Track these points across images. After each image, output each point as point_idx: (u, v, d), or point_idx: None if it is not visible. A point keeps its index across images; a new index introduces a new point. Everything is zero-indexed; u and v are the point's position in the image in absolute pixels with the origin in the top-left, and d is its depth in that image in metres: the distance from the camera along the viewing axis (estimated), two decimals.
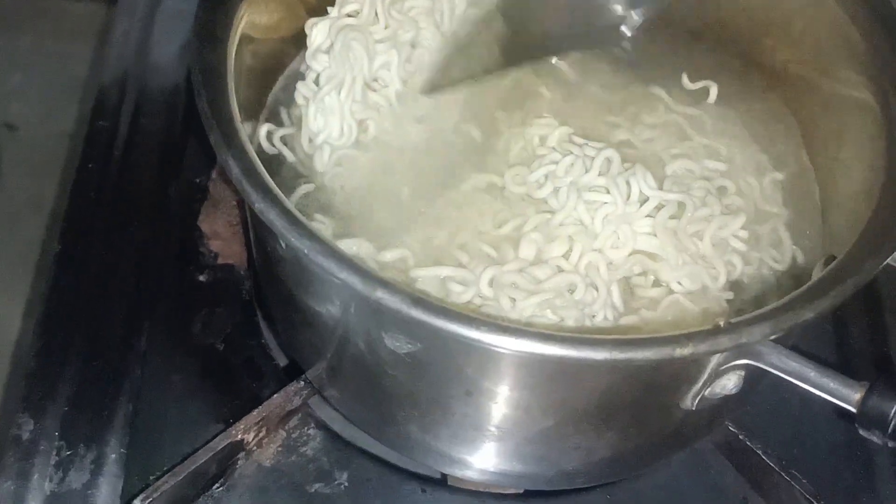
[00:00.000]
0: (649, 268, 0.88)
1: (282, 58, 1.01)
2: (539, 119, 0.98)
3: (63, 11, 1.63)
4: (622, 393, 0.77)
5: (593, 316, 0.84)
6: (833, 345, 1.07)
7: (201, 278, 1.06)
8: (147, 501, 0.89)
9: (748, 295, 0.89)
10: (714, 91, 1.03)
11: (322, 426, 0.98)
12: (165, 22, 1.27)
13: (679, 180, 0.93)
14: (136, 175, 1.13)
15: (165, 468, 0.92)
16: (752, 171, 0.97)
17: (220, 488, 0.93)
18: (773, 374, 0.71)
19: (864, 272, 0.73)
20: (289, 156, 0.94)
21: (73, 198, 1.10)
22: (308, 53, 0.98)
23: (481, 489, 0.96)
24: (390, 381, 0.81)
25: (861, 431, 0.70)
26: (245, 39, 0.88)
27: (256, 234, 0.93)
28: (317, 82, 0.96)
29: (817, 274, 0.76)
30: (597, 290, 0.85)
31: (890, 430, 0.68)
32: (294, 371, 0.99)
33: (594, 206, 0.89)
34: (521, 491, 0.96)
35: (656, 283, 0.88)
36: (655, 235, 0.89)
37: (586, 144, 0.95)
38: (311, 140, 0.95)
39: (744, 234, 0.91)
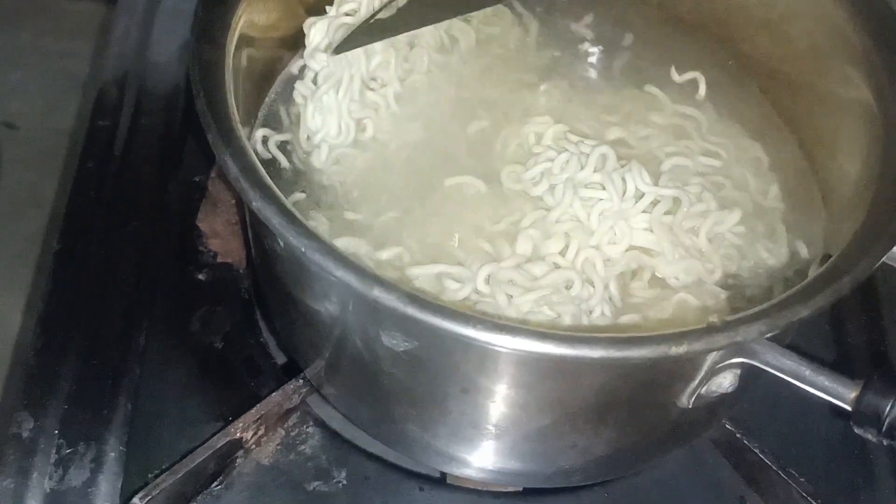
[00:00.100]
0: (646, 263, 0.88)
1: (280, 57, 1.01)
2: (535, 118, 0.98)
3: (63, 10, 1.62)
4: (618, 391, 0.77)
5: (590, 312, 0.84)
6: (831, 343, 1.07)
7: (200, 277, 1.07)
8: (146, 499, 0.89)
9: (746, 290, 0.89)
10: (702, 84, 1.04)
11: (321, 424, 0.98)
12: (165, 21, 1.28)
13: (675, 177, 0.93)
14: (136, 174, 1.13)
15: (164, 466, 0.92)
16: (748, 168, 0.98)
17: (219, 486, 0.94)
18: (768, 372, 0.71)
19: (860, 271, 0.73)
20: (283, 161, 0.94)
21: (73, 197, 1.11)
22: (306, 52, 0.98)
23: (480, 487, 0.96)
24: (388, 379, 0.82)
25: (856, 429, 0.71)
26: (244, 39, 0.88)
27: (254, 233, 0.93)
28: (315, 81, 0.96)
29: (813, 273, 0.76)
30: (593, 286, 0.86)
31: (884, 428, 0.68)
32: (293, 369, 0.99)
33: (590, 202, 0.90)
34: (520, 489, 0.96)
35: (653, 280, 0.88)
36: (651, 231, 0.89)
37: (581, 142, 0.95)
38: (308, 138, 0.95)
39: (740, 229, 0.91)
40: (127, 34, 1.26)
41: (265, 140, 0.94)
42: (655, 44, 1.07)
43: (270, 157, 0.94)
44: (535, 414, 0.80)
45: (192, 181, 1.14)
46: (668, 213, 0.90)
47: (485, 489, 0.96)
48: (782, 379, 0.71)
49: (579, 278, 0.85)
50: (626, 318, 0.85)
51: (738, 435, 0.96)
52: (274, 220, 0.71)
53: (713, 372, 0.74)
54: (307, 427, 0.98)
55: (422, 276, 0.85)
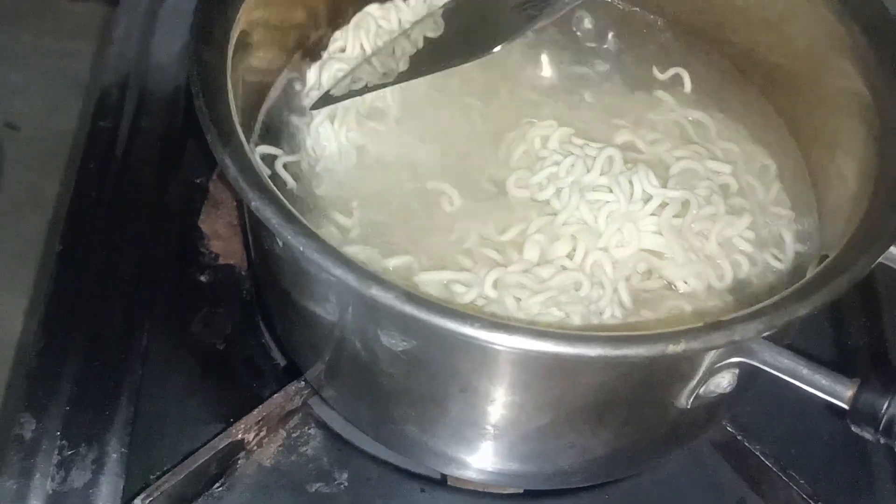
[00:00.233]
0: (655, 266, 0.88)
1: (282, 57, 1.01)
2: (541, 122, 0.98)
3: (64, 10, 1.63)
4: (616, 391, 0.77)
5: (601, 314, 0.85)
6: (830, 342, 1.07)
7: (202, 278, 1.07)
8: (148, 500, 0.89)
9: (756, 296, 0.89)
10: (687, 80, 1.05)
11: (322, 426, 0.98)
12: (167, 22, 1.28)
13: (683, 180, 0.94)
14: (137, 175, 1.13)
15: (166, 467, 0.92)
16: (755, 174, 0.98)
17: (221, 488, 0.94)
18: (765, 371, 0.71)
19: (857, 270, 0.73)
20: (290, 182, 0.94)
21: (75, 198, 1.11)
22: (303, 92, 0.99)
23: (480, 489, 0.96)
24: (387, 380, 0.82)
25: (853, 428, 0.71)
26: (244, 39, 0.89)
27: (254, 234, 0.93)
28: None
29: (811, 272, 0.76)
30: (603, 287, 0.86)
31: (881, 427, 0.69)
32: (294, 371, 0.99)
33: (597, 205, 0.90)
34: (521, 490, 0.96)
35: (662, 283, 0.88)
36: (661, 234, 0.89)
37: (587, 145, 0.95)
38: (310, 165, 0.95)
39: (750, 234, 0.91)
40: (128, 35, 1.27)
41: (272, 161, 0.94)
42: (654, 48, 1.08)
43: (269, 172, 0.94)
44: (533, 414, 0.80)
45: (193, 182, 1.14)
46: (676, 216, 0.90)
47: (485, 491, 0.96)
48: (780, 378, 0.71)
49: (588, 280, 0.85)
50: (636, 321, 0.85)
51: (738, 437, 0.96)
52: (273, 219, 0.71)
53: (711, 371, 0.74)
54: (309, 428, 0.98)
55: (429, 281, 0.86)
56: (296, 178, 0.94)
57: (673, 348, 0.67)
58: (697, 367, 0.74)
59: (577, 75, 1.06)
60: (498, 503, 0.96)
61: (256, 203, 0.72)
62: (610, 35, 1.10)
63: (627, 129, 0.99)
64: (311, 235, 0.71)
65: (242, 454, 0.95)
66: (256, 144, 0.95)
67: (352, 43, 1.02)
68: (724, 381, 0.75)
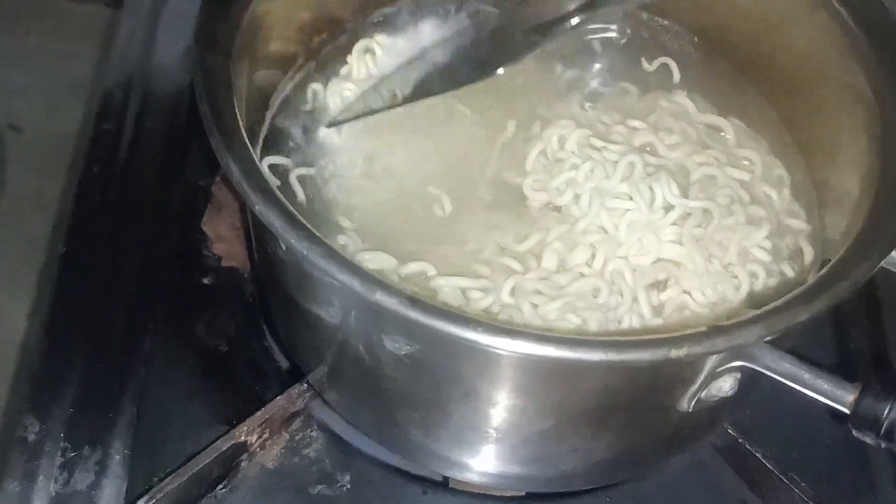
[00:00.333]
0: (673, 275, 0.88)
1: (286, 61, 1.01)
2: (558, 121, 0.98)
3: (68, 12, 1.62)
4: (618, 395, 0.78)
5: (619, 322, 0.85)
6: (832, 347, 1.07)
7: (205, 281, 1.07)
8: (151, 503, 0.89)
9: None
10: (676, 72, 1.05)
11: (325, 428, 0.98)
12: (170, 24, 1.27)
13: (704, 188, 0.94)
14: (141, 178, 1.13)
15: (169, 469, 0.92)
16: (772, 183, 0.97)
17: (224, 490, 0.94)
18: (767, 375, 0.72)
19: (858, 275, 0.74)
20: (300, 194, 0.94)
21: (78, 200, 1.11)
22: (309, 102, 1.00)
23: (482, 491, 0.96)
24: (390, 384, 0.82)
25: (854, 432, 0.71)
26: (248, 44, 0.89)
27: (257, 237, 0.94)
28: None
29: (812, 277, 0.76)
30: (622, 295, 0.86)
31: (883, 432, 0.69)
32: (297, 373, 0.99)
33: (617, 213, 0.90)
34: (523, 493, 0.97)
35: (681, 292, 0.88)
36: (681, 244, 0.89)
37: (605, 148, 0.95)
38: (319, 173, 0.96)
39: (767, 243, 0.91)
40: (131, 37, 1.26)
41: (285, 172, 0.94)
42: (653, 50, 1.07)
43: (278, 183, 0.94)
44: (536, 417, 0.80)
45: (196, 185, 1.14)
46: (697, 226, 0.90)
47: (487, 493, 0.96)
48: (781, 382, 0.71)
49: (607, 286, 0.86)
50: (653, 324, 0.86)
51: (740, 440, 0.96)
52: (276, 223, 0.72)
53: (713, 376, 0.74)
54: (311, 431, 0.98)
55: (446, 287, 0.86)
56: (303, 185, 0.94)
57: (675, 353, 0.68)
58: (699, 372, 0.74)
59: (590, 75, 1.06)
60: None
61: (260, 207, 0.72)
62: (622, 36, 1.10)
63: (647, 130, 0.98)
64: (315, 240, 0.71)
65: (245, 456, 0.95)
66: (263, 154, 0.95)
67: (357, 67, 1.02)
68: (725, 386, 0.75)
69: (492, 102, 1.01)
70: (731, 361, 0.73)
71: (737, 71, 1.06)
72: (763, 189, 0.96)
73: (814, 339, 1.06)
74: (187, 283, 1.07)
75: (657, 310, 0.87)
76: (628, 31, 1.08)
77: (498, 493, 0.96)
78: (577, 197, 0.92)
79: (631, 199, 0.91)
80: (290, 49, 1.01)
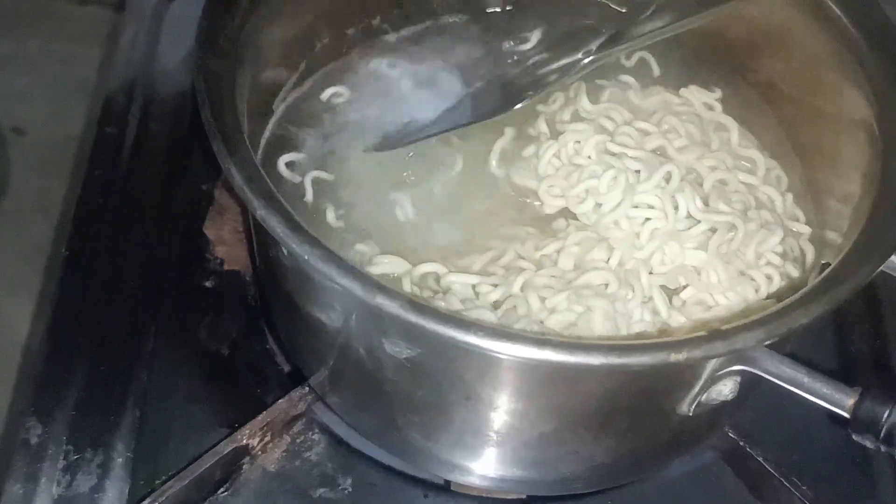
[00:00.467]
0: (693, 279, 0.89)
1: (288, 66, 1.01)
2: (573, 124, 0.98)
3: (70, 15, 1.63)
4: (619, 398, 0.78)
5: (630, 316, 0.85)
6: (832, 350, 1.07)
7: (207, 284, 1.07)
8: None
9: None
10: (655, 65, 1.06)
11: (326, 431, 0.98)
12: (173, 28, 1.28)
13: (721, 195, 0.94)
14: (143, 181, 1.13)
15: (171, 472, 0.93)
16: (773, 185, 0.98)
17: (226, 493, 0.94)
18: (767, 379, 0.72)
19: (857, 279, 0.74)
20: (308, 193, 0.95)
21: (81, 204, 1.11)
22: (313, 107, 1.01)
23: (484, 495, 0.96)
24: (391, 387, 0.82)
25: (854, 436, 0.71)
26: (250, 48, 0.89)
27: (259, 241, 0.94)
28: None
29: (812, 281, 0.76)
30: (633, 290, 0.86)
31: (882, 436, 0.69)
32: (298, 376, 0.99)
33: (637, 221, 0.91)
34: (524, 496, 0.97)
35: (699, 294, 0.89)
36: (703, 250, 0.90)
37: (624, 155, 0.95)
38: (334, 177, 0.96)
39: (779, 248, 0.92)
40: (134, 40, 1.26)
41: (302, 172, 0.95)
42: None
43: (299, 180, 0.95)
44: (536, 420, 0.81)
45: (199, 188, 1.14)
46: (725, 239, 0.91)
47: (489, 496, 0.96)
48: (781, 386, 0.72)
49: (616, 279, 0.86)
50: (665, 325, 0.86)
51: (741, 443, 0.97)
52: (278, 228, 0.72)
53: (713, 379, 0.74)
54: (313, 434, 0.98)
55: (457, 283, 0.86)
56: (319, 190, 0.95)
57: (675, 357, 0.68)
58: (699, 375, 0.74)
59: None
60: None
61: (262, 212, 0.72)
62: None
63: (658, 133, 0.98)
64: (316, 244, 0.71)
65: (247, 459, 0.95)
66: (268, 157, 0.96)
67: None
68: (725, 389, 0.75)
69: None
70: (731, 365, 0.73)
71: (737, 74, 1.06)
72: (766, 191, 0.97)
73: (814, 341, 1.06)
74: (189, 286, 1.07)
75: (678, 308, 0.87)
76: None
77: (499, 497, 0.96)
78: (598, 206, 0.92)
79: (652, 208, 0.91)
80: (292, 54, 1.01)
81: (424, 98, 1.02)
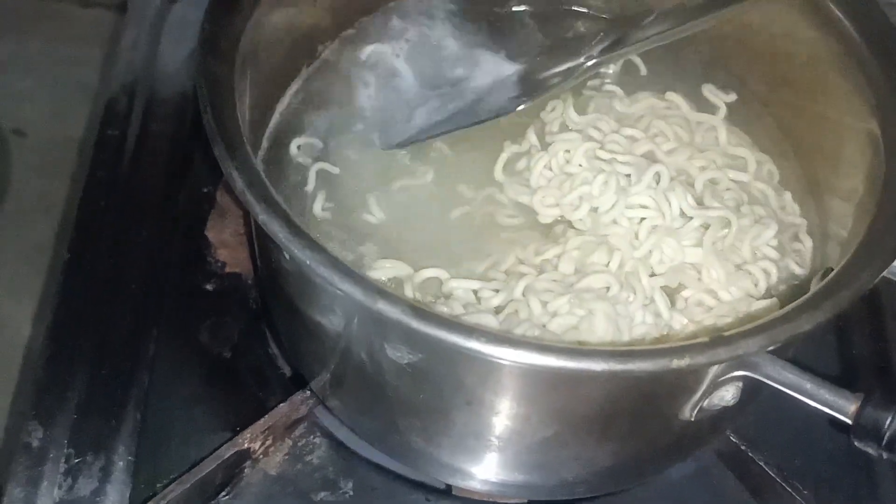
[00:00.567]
0: (693, 277, 0.89)
1: (290, 69, 1.02)
2: (562, 134, 0.98)
3: (72, 17, 1.63)
4: (620, 403, 0.78)
5: (632, 318, 0.85)
6: (835, 355, 1.07)
7: (208, 287, 1.07)
8: None
9: (784, 301, 0.89)
10: (642, 67, 1.06)
11: (328, 435, 0.98)
12: (175, 30, 1.28)
13: (714, 193, 0.94)
14: (145, 183, 1.13)
15: (173, 476, 0.93)
16: (765, 180, 0.98)
17: (227, 496, 0.94)
18: (769, 385, 0.72)
19: (860, 285, 0.74)
20: (310, 182, 0.95)
21: (83, 205, 1.11)
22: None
23: (485, 499, 0.96)
24: (392, 391, 0.82)
25: (856, 443, 0.71)
26: (251, 52, 0.89)
27: (260, 245, 0.94)
28: None
29: (814, 286, 0.76)
30: (634, 292, 0.86)
31: (884, 442, 0.69)
32: (300, 380, 0.99)
33: (634, 221, 0.91)
34: (525, 501, 0.97)
35: (700, 292, 0.89)
36: (700, 246, 0.90)
37: (614, 160, 0.95)
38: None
39: (774, 241, 0.92)
40: (136, 42, 1.26)
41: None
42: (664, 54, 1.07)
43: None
44: (537, 426, 0.80)
45: (200, 191, 1.14)
46: (720, 235, 0.91)
47: (490, 500, 0.96)
48: (783, 392, 0.72)
49: (616, 281, 0.86)
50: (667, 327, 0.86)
51: (742, 447, 0.97)
52: (280, 233, 0.72)
53: (715, 385, 0.74)
54: (314, 437, 0.98)
55: (459, 289, 0.87)
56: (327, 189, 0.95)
57: (677, 363, 0.68)
58: (701, 381, 0.74)
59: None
60: None
61: (264, 217, 0.72)
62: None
63: (645, 139, 0.98)
64: (318, 249, 0.71)
65: (248, 463, 0.96)
66: (271, 157, 0.96)
67: None
68: (727, 395, 0.75)
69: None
70: (733, 371, 0.73)
71: (735, 79, 1.06)
72: (759, 187, 0.97)
73: (816, 346, 1.06)
74: (191, 288, 1.07)
75: (675, 309, 0.87)
76: None
77: (501, 501, 0.97)
78: (593, 210, 0.92)
79: (646, 207, 0.91)
80: (294, 54, 1.01)
81: (425, 98, 1.02)
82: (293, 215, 0.74)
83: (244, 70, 0.86)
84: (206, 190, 1.14)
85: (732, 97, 1.04)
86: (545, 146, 0.98)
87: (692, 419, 0.78)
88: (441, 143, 0.99)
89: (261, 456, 0.96)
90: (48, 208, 1.39)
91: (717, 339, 0.70)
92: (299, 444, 0.98)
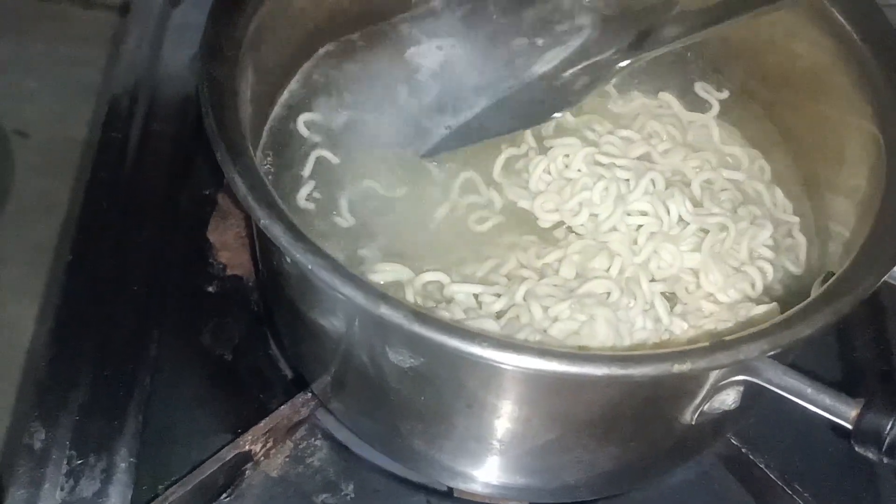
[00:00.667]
0: (691, 280, 0.89)
1: (291, 70, 1.02)
2: (561, 138, 0.98)
3: (74, 17, 1.62)
4: (621, 408, 0.78)
5: (632, 323, 0.85)
6: (836, 359, 1.07)
7: (210, 289, 1.07)
8: None
9: (782, 302, 0.90)
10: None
11: (329, 437, 0.98)
12: (177, 31, 1.28)
13: (711, 195, 0.95)
14: (147, 185, 1.14)
15: (174, 478, 0.93)
16: (758, 178, 0.99)
17: (228, 498, 0.94)
18: (770, 390, 0.72)
19: (861, 290, 0.74)
20: (307, 169, 0.96)
21: (85, 207, 1.11)
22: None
23: (486, 501, 0.96)
24: (393, 395, 0.82)
25: (856, 448, 0.71)
26: (253, 55, 0.89)
27: (262, 248, 0.94)
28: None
29: (816, 291, 0.77)
30: (635, 298, 0.87)
31: (885, 447, 0.69)
32: (301, 382, 1.00)
33: (634, 226, 0.91)
34: (526, 503, 0.97)
35: (698, 295, 0.89)
36: (699, 251, 0.90)
37: (613, 165, 0.95)
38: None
39: (769, 241, 0.93)
40: (139, 44, 1.26)
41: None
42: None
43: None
44: (539, 429, 0.81)
45: (202, 193, 1.14)
46: (718, 239, 0.91)
47: (491, 503, 0.97)
48: (784, 397, 0.72)
49: (617, 287, 0.86)
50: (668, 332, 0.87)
51: (743, 450, 0.97)
52: (282, 237, 0.72)
53: (716, 389, 0.74)
54: (316, 440, 0.98)
55: (460, 293, 0.87)
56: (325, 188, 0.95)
57: (679, 368, 0.68)
58: (702, 386, 0.74)
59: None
60: None
61: (266, 221, 0.72)
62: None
63: (641, 140, 0.99)
64: (320, 253, 0.71)
65: (250, 465, 0.96)
66: (275, 159, 0.96)
67: None
68: (728, 399, 0.75)
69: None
70: (734, 375, 0.73)
71: (732, 79, 1.06)
72: (753, 186, 0.98)
73: (817, 350, 1.06)
74: (193, 290, 1.07)
75: (680, 315, 0.88)
76: None
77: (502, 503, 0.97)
78: (593, 216, 0.92)
79: (645, 214, 0.91)
80: (296, 56, 1.02)
81: (433, 103, 1.02)
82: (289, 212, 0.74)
83: (245, 72, 0.87)
84: (207, 192, 1.14)
85: (725, 94, 1.05)
86: (542, 148, 0.98)
87: (693, 423, 0.78)
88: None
89: (262, 458, 0.96)
90: (50, 209, 1.39)
91: (717, 343, 0.70)
92: (300, 446, 0.98)
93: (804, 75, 0.98)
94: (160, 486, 0.93)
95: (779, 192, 0.98)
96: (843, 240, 0.90)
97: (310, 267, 0.71)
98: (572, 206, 0.93)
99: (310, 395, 0.98)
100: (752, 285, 0.90)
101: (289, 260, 0.74)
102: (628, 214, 0.92)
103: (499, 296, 0.86)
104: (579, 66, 1.01)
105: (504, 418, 0.79)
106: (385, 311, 0.68)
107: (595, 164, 0.95)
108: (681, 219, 0.92)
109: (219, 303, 1.07)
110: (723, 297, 0.89)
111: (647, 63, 1.03)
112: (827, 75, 0.95)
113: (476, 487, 0.92)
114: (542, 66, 1.04)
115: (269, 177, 0.91)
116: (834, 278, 0.76)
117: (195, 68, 1.17)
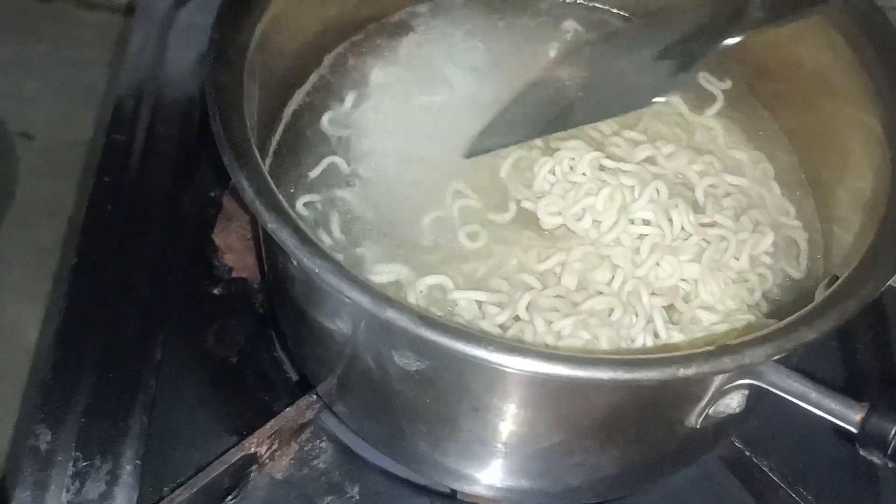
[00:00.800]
0: (691, 291, 0.90)
1: (298, 75, 1.02)
2: (568, 141, 0.98)
3: (79, 19, 1.62)
4: (626, 411, 0.78)
5: (632, 341, 0.86)
6: (839, 363, 1.07)
7: (215, 291, 1.07)
8: None
9: (782, 307, 0.91)
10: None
11: (334, 439, 0.99)
12: (182, 33, 1.28)
13: (713, 201, 0.95)
14: (152, 188, 1.14)
15: (180, 480, 0.93)
16: (760, 181, 0.99)
17: (233, 500, 0.94)
18: (775, 394, 0.72)
19: (866, 293, 0.74)
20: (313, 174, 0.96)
21: (90, 210, 1.11)
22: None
23: None
24: (399, 397, 0.82)
25: (861, 452, 0.71)
26: (260, 59, 0.89)
27: (268, 251, 0.94)
28: None
29: (820, 294, 0.77)
30: (636, 315, 0.87)
31: (890, 451, 0.69)
32: (306, 385, 1.00)
33: (635, 236, 0.91)
34: None
35: (696, 305, 0.89)
36: (699, 262, 0.90)
37: (619, 170, 0.95)
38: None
39: (770, 248, 0.93)
40: (144, 46, 1.26)
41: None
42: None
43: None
44: (543, 433, 0.81)
45: (207, 195, 1.14)
46: (718, 251, 0.91)
47: None
48: (789, 401, 0.72)
49: (621, 306, 0.86)
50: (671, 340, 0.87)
51: (747, 452, 0.97)
52: (288, 241, 0.72)
53: (721, 393, 0.75)
54: (320, 442, 0.98)
55: (463, 300, 0.87)
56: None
57: (684, 372, 0.68)
58: (707, 389, 0.75)
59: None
60: None
61: (273, 225, 0.73)
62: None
63: (647, 142, 0.99)
64: (327, 257, 0.71)
65: (255, 467, 0.96)
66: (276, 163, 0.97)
67: None
68: (733, 403, 0.75)
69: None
70: (738, 379, 0.73)
71: (743, 85, 1.06)
72: (757, 190, 0.98)
73: (821, 354, 1.06)
74: (198, 293, 1.07)
75: (677, 325, 0.88)
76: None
77: None
78: (596, 223, 0.92)
79: (648, 223, 0.91)
80: (302, 60, 1.02)
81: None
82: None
83: (252, 76, 0.86)
84: (212, 194, 1.14)
85: (728, 84, 1.05)
86: (549, 150, 0.98)
87: (697, 426, 0.78)
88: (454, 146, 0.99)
89: (267, 460, 0.96)
90: (54, 211, 1.39)
91: (722, 347, 0.70)
92: (305, 448, 0.98)
93: (809, 77, 0.99)
94: (165, 489, 0.93)
95: (779, 194, 0.99)
96: (846, 243, 0.90)
97: (316, 270, 0.71)
98: (576, 212, 0.93)
99: (315, 397, 0.98)
100: (751, 292, 0.90)
101: (295, 263, 0.74)
102: (631, 223, 0.91)
103: (502, 306, 0.86)
104: (672, 51, 0.99)
105: (509, 421, 0.79)
106: (391, 314, 0.69)
107: (600, 170, 0.95)
108: (682, 229, 0.92)
109: (224, 305, 1.07)
110: (720, 306, 0.89)
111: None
112: (831, 77, 0.95)
113: (480, 490, 0.92)
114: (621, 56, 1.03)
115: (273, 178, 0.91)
116: (838, 282, 0.76)
117: (200, 70, 1.18)
